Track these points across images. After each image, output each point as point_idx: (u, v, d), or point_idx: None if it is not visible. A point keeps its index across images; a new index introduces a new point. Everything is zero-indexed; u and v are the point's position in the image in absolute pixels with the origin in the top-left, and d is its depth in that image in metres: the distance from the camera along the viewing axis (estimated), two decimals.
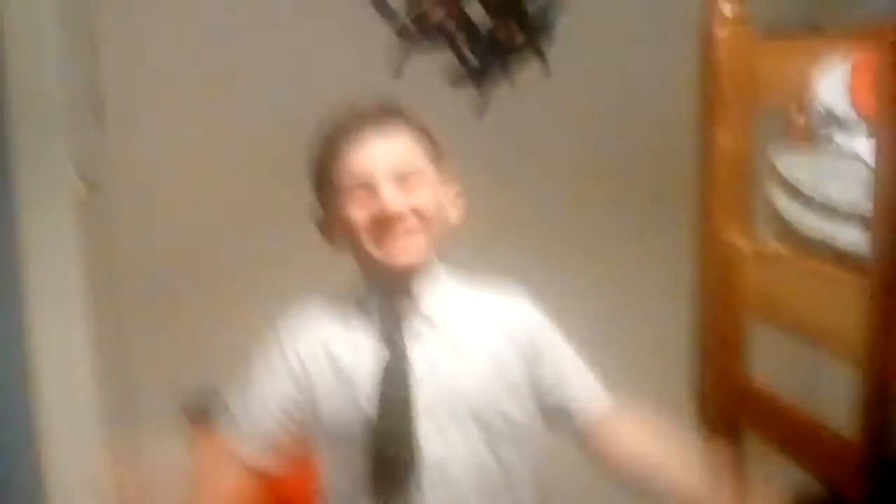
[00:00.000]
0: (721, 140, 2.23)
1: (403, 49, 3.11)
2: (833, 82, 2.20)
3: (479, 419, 1.65)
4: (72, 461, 2.58)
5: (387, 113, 1.69)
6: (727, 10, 2.18)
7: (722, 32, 2.19)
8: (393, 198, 1.62)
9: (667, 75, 2.95)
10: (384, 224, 1.62)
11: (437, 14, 3.10)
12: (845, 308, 1.85)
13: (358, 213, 1.63)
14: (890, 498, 1.81)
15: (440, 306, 1.71)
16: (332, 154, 1.66)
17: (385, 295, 1.70)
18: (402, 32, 3.10)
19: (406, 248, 1.64)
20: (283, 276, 3.07)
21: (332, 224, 1.71)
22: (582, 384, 1.75)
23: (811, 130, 2.26)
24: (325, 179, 1.68)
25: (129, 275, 3.04)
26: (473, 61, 3.17)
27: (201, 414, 3.03)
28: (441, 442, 1.64)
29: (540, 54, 3.19)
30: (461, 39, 3.15)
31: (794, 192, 2.09)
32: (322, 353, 1.70)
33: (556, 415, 1.75)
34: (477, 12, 3.15)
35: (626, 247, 3.15)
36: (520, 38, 3.18)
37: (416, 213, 1.64)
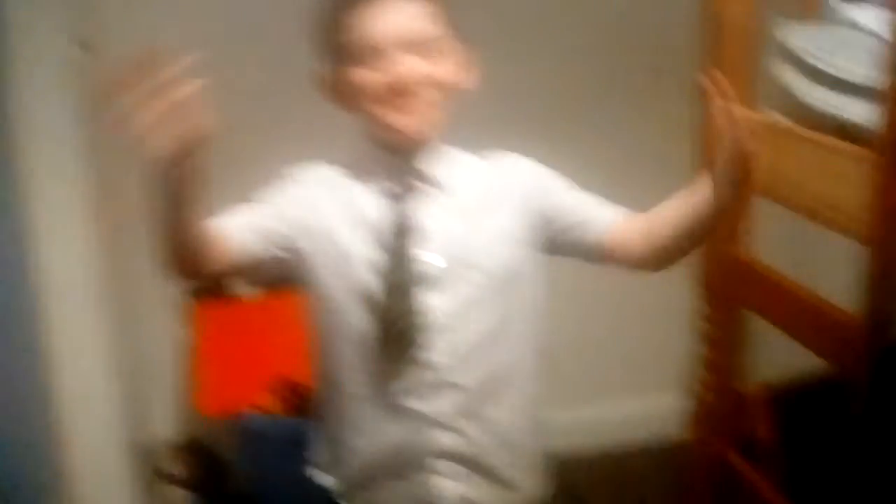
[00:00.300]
0: (727, 10, 2.18)
1: None
2: None
3: (477, 269, 1.65)
4: (74, 339, 2.60)
5: None
6: None
7: None
8: (410, 65, 1.59)
9: None
10: (400, 92, 1.59)
11: None
12: (852, 183, 1.83)
13: (371, 77, 1.60)
14: (892, 376, 1.82)
15: (445, 167, 1.70)
16: (345, 14, 1.62)
17: (393, 156, 1.67)
18: None
19: (421, 117, 1.62)
20: (284, 152, 3.05)
21: (337, 85, 1.67)
22: (590, 202, 1.73)
23: (821, 2, 2.20)
24: (335, 40, 1.64)
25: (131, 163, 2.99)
26: None
27: (205, 292, 3.04)
28: (446, 293, 1.64)
29: None
30: None
31: (802, 64, 2.05)
32: (332, 191, 1.69)
33: (574, 235, 1.72)
34: None
35: (628, 121, 3.11)
36: None
37: (432, 80, 1.61)
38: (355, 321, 1.65)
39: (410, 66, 1.59)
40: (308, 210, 1.67)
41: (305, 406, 2.69)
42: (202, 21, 2.95)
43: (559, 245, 1.72)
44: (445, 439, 1.66)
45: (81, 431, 2.61)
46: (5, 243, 2.40)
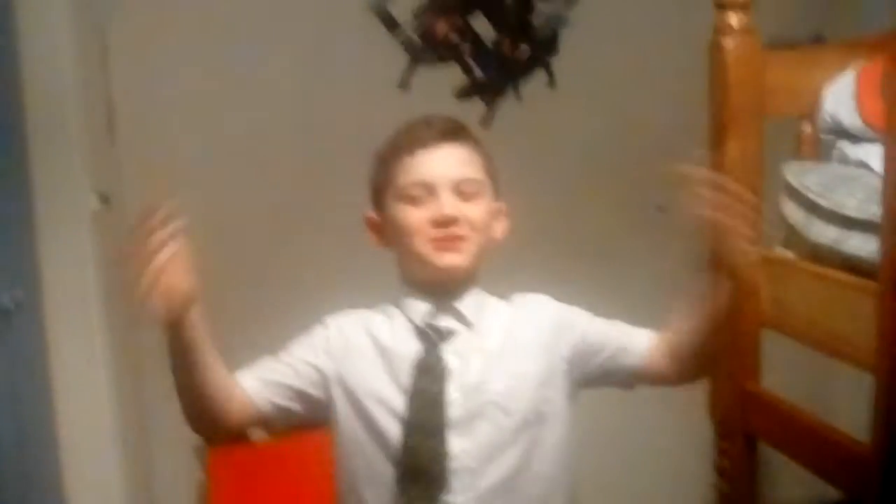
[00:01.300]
0: (730, 150, 2.25)
1: (410, 62, 3.13)
2: (840, 92, 2.23)
3: (500, 409, 1.66)
4: (91, 471, 2.59)
5: (453, 125, 1.75)
6: (734, 21, 2.21)
7: (729, 43, 2.22)
8: (451, 203, 1.67)
9: (672, 86, 2.97)
10: (439, 225, 1.66)
11: (443, 28, 3.13)
12: (855, 313, 1.88)
13: (415, 214, 1.68)
14: None
15: (475, 308, 1.74)
16: (399, 156, 1.71)
17: (425, 294, 1.73)
18: (408, 46, 3.13)
19: (455, 251, 1.68)
20: (302, 294, 3.10)
21: (383, 223, 1.75)
22: (617, 330, 1.77)
23: (819, 140, 2.28)
24: (387, 180, 1.73)
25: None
26: (480, 74, 3.19)
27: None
28: (469, 435, 1.64)
29: (546, 67, 3.21)
30: (467, 53, 3.17)
31: (802, 199, 2.11)
32: (366, 334, 1.73)
33: (610, 369, 1.75)
34: (483, 26, 3.18)
35: (633, 258, 3.16)
36: (525, 52, 3.20)
37: (469, 221, 1.68)
38: (379, 462, 1.66)
39: (454, 205, 1.67)
40: (338, 358, 1.71)
41: None
42: (218, 173, 3.03)
43: (595, 377, 1.75)
44: None
45: None
46: (30, 396, 2.43)
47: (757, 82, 2.22)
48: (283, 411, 1.69)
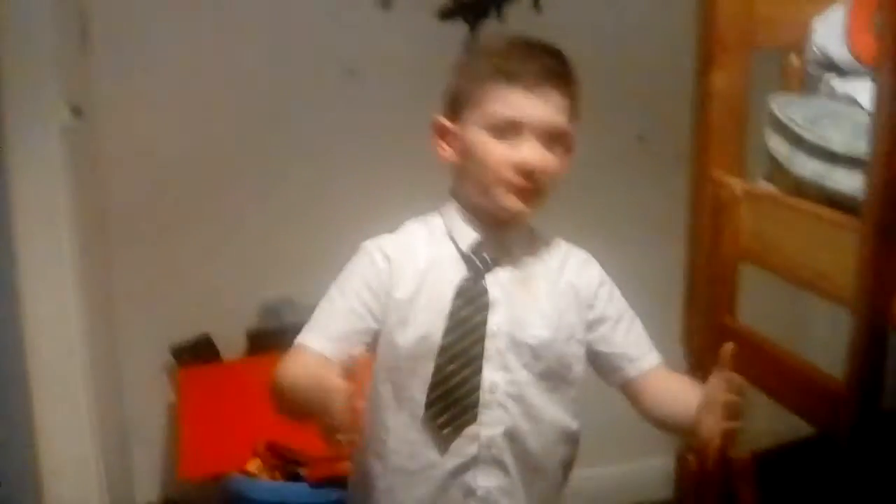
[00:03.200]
0: (716, 81, 2.23)
1: None
2: (830, 25, 2.20)
3: (536, 353, 1.67)
4: (59, 399, 2.58)
5: (561, 66, 1.68)
6: None
7: None
8: (538, 152, 1.63)
9: (659, 14, 2.94)
10: (520, 173, 1.62)
11: None
12: (837, 250, 1.87)
13: (498, 148, 1.63)
14: (875, 441, 1.84)
15: (524, 245, 1.73)
16: (495, 81, 1.64)
17: (477, 220, 1.70)
18: None
19: (529, 204, 1.66)
20: (269, 212, 3.08)
21: (455, 137, 1.70)
22: (635, 341, 1.77)
23: (806, 73, 2.26)
24: (475, 99, 1.66)
25: (115, 203, 3.01)
26: (469, 5, 3.13)
27: (188, 353, 3.05)
28: (500, 367, 1.65)
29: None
30: None
31: (788, 132, 2.09)
32: (409, 257, 1.70)
33: (606, 365, 1.77)
34: None
35: (614, 190, 3.14)
36: None
37: (547, 173, 1.65)
38: (411, 386, 1.67)
39: (542, 156, 1.63)
40: (386, 285, 1.68)
41: (289, 469, 2.70)
42: (195, 84, 2.98)
43: (594, 362, 1.77)
44: None
45: (65, 495, 2.59)
46: None
47: (745, 13, 2.19)
48: (359, 352, 1.66)
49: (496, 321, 1.66)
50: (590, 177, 3.13)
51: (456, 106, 1.70)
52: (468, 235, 1.70)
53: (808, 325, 2.58)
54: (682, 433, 1.75)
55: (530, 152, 1.62)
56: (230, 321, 3.06)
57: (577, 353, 1.73)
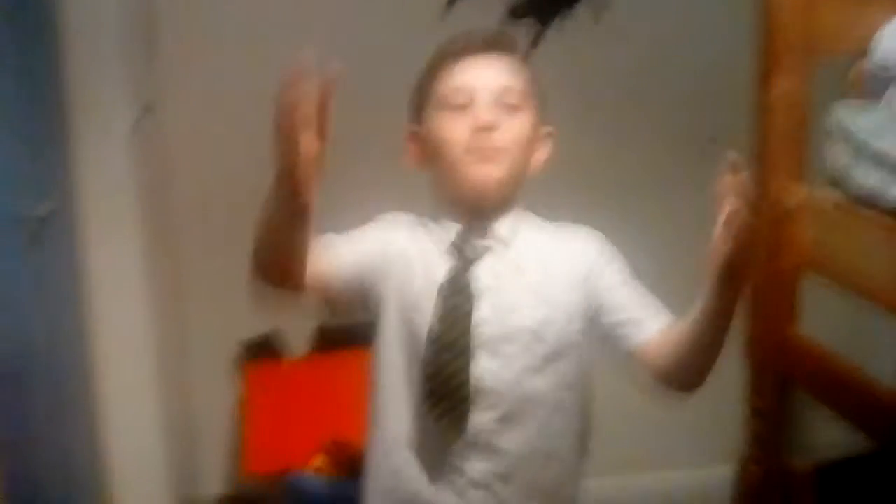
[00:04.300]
0: (778, 87, 2.20)
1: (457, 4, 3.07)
2: None
3: (533, 336, 1.65)
4: (126, 395, 2.63)
5: (499, 36, 1.74)
6: None
7: None
8: (490, 112, 1.64)
9: (725, 16, 2.90)
10: (478, 136, 1.63)
11: None
12: None
13: (455, 121, 1.65)
14: None
15: (512, 228, 1.72)
16: (441, 64, 1.69)
17: (460, 213, 1.70)
18: None
19: (491, 161, 1.64)
20: (340, 208, 3.09)
21: (422, 137, 1.71)
22: (638, 303, 1.71)
23: (871, 81, 2.21)
24: (428, 90, 1.70)
25: (185, 201, 3.06)
26: (529, 15, 3.11)
27: (257, 349, 3.09)
28: (492, 354, 1.65)
29: (596, 7, 3.13)
30: None
31: (850, 141, 2.05)
32: (413, 243, 1.72)
33: (612, 336, 1.71)
34: None
35: (681, 191, 3.08)
36: None
37: (510, 132, 1.65)
38: (408, 375, 1.67)
39: (496, 115, 1.63)
40: (394, 255, 1.70)
41: (354, 467, 2.71)
42: (264, 83, 3.01)
43: (596, 334, 1.72)
44: (480, 500, 1.67)
45: (132, 488, 2.64)
46: (63, 305, 2.45)
47: (807, 18, 2.15)
48: (347, 291, 1.69)
49: (485, 309, 1.65)
50: (658, 179, 3.14)
51: (417, 108, 1.74)
52: (454, 226, 1.70)
53: (870, 337, 2.53)
54: (699, 332, 1.56)
55: (486, 115, 1.63)
56: (298, 318, 3.08)
57: (579, 330, 1.69)
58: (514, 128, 1.65)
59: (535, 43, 3.07)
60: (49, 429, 2.24)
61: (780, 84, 2.17)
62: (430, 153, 1.70)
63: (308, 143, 1.38)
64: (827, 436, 2.22)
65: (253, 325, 3.10)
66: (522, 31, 3.06)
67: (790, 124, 2.19)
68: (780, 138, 2.20)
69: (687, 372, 1.63)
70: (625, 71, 3.12)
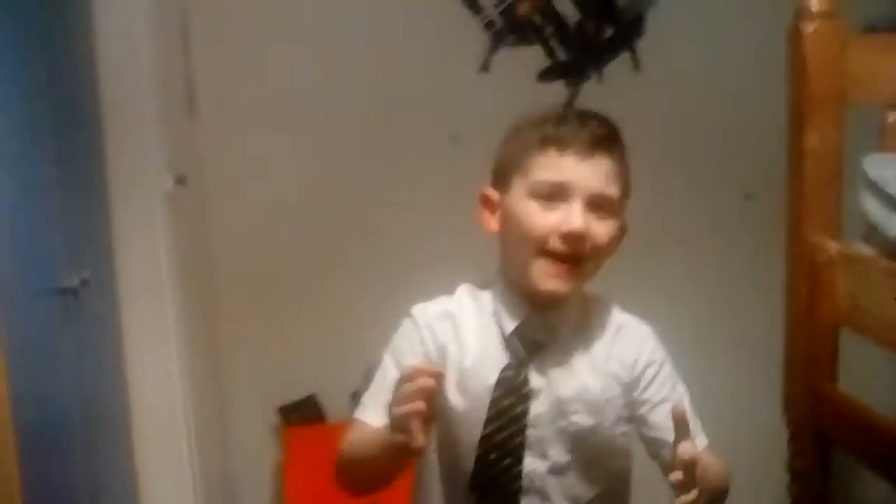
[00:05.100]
0: (809, 139, 2.15)
1: (491, 43, 3.09)
2: None
3: (580, 439, 1.62)
4: (165, 459, 2.63)
5: (608, 132, 1.63)
6: (814, 4, 2.10)
7: (809, 27, 2.11)
8: (583, 217, 1.56)
9: (760, 70, 2.87)
10: (565, 239, 1.57)
11: (525, 8, 3.08)
12: None
13: (541, 215, 1.58)
14: None
15: (571, 324, 1.67)
16: (543, 147, 1.60)
17: (519, 301, 1.65)
18: (489, 26, 3.08)
19: (569, 284, 1.60)
20: (374, 275, 3.10)
21: (500, 206, 1.65)
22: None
23: None
24: (521, 166, 1.62)
25: (220, 270, 3.09)
26: (562, 55, 3.13)
27: (295, 413, 3.09)
28: (541, 454, 1.62)
29: (630, 48, 3.14)
30: (549, 33, 3.11)
31: (882, 193, 2.02)
32: (454, 335, 1.67)
33: (648, 446, 1.67)
34: (566, 6, 3.12)
35: (718, 246, 3.07)
36: (609, 32, 3.13)
37: (593, 241, 1.58)
38: (457, 468, 1.66)
39: (591, 227, 1.57)
40: (433, 357, 1.66)
41: None
42: (303, 151, 3.05)
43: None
44: None
45: None
46: (100, 371, 2.46)
47: (838, 69, 2.11)
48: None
49: (538, 410, 1.61)
50: (693, 235, 3.11)
51: (503, 176, 1.66)
52: (512, 319, 1.64)
53: None
54: None
55: (578, 218, 1.56)
56: (336, 382, 3.08)
57: (624, 432, 1.67)
58: (600, 235, 1.58)
59: (568, 105, 3.07)
60: (88, 496, 2.24)
61: (813, 135, 2.13)
62: (507, 228, 1.64)
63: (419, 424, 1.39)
64: (869, 496, 2.15)
65: (292, 389, 3.10)
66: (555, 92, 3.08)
67: (823, 176, 2.14)
68: (812, 190, 2.15)
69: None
70: (659, 127, 3.11)
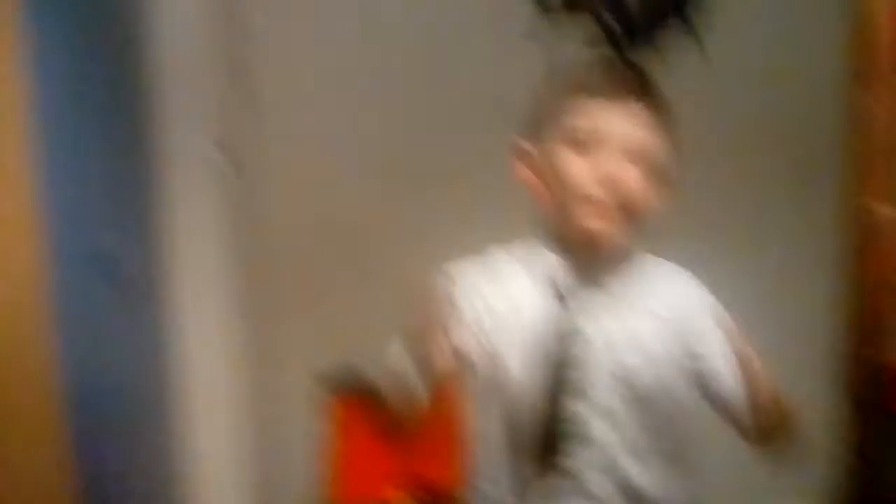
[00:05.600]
0: (868, 104, 2.13)
1: (546, 20, 3.05)
2: None
3: (630, 382, 1.59)
4: (212, 428, 2.64)
5: (644, 81, 1.62)
6: None
7: None
8: (626, 172, 1.55)
9: (822, 46, 2.83)
10: (601, 185, 1.55)
11: None
12: None
13: (577, 162, 1.57)
14: None
15: (615, 271, 1.65)
16: (578, 95, 1.59)
17: (565, 248, 1.63)
18: (543, 2, 3.04)
19: (613, 227, 1.58)
20: (423, 247, 3.08)
21: (535, 157, 1.64)
22: (732, 372, 1.60)
23: None
24: (555, 114, 1.62)
25: (276, 257, 3.08)
26: (619, 32, 3.08)
27: (344, 387, 3.08)
28: (590, 400, 1.59)
29: (688, 25, 3.08)
30: (606, 10, 3.06)
31: None
32: (495, 288, 1.65)
33: (710, 395, 1.63)
34: None
35: (776, 226, 3.02)
36: (667, 8, 3.08)
37: (630, 189, 1.56)
38: (502, 419, 1.64)
39: (627, 173, 1.56)
40: (471, 313, 1.64)
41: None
42: (356, 134, 3.04)
43: (690, 386, 1.66)
44: None
45: None
46: (151, 335, 2.47)
47: None
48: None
49: (582, 352, 1.60)
50: (740, 204, 3.07)
51: (537, 126, 1.65)
52: (553, 264, 1.64)
53: None
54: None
55: (614, 165, 1.55)
56: (381, 352, 3.08)
57: (672, 375, 1.63)
58: (636, 184, 1.56)
59: (603, 59, 3.03)
60: (134, 463, 2.25)
61: (871, 101, 2.10)
62: (544, 180, 1.63)
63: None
64: None
65: (337, 358, 3.10)
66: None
67: (880, 142, 2.11)
68: (868, 157, 2.12)
69: (759, 436, 1.60)
70: (717, 107, 3.06)
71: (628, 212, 1.57)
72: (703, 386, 1.64)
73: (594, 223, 1.57)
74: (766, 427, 1.56)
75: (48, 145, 1.86)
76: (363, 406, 3.02)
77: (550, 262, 1.64)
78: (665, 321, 1.64)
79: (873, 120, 2.13)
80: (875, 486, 2.31)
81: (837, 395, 2.31)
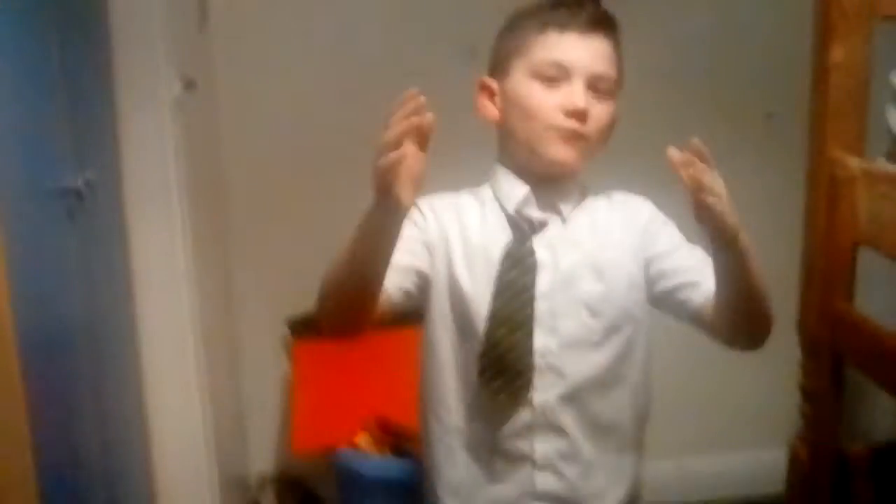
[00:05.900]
0: (835, 53, 2.12)
1: None
2: None
3: (593, 309, 1.62)
4: (172, 371, 2.61)
5: (606, 15, 1.68)
6: None
7: None
8: (588, 100, 1.62)
9: None
10: (570, 115, 1.61)
11: None
12: None
13: (545, 95, 1.63)
14: None
15: (572, 201, 1.70)
16: (542, 30, 1.65)
17: (526, 177, 1.68)
18: None
19: (577, 154, 1.64)
20: None
21: (500, 93, 1.70)
22: (696, 266, 1.65)
23: None
24: (520, 49, 1.67)
25: (232, 177, 3.05)
26: None
27: (304, 327, 3.07)
28: (552, 329, 1.61)
29: None
30: None
31: None
32: (457, 220, 1.69)
33: (672, 301, 1.67)
34: None
35: (738, 168, 2.99)
36: None
37: (595, 121, 1.64)
38: (463, 354, 1.65)
39: (592, 105, 1.62)
40: (433, 242, 1.68)
41: (397, 445, 2.69)
42: (312, 59, 3.00)
43: (661, 303, 1.68)
44: (544, 480, 1.64)
45: (176, 464, 2.63)
46: (106, 277, 2.44)
47: None
48: (407, 295, 1.64)
49: (545, 282, 1.62)
50: (714, 154, 3.06)
51: (502, 62, 1.70)
52: (514, 196, 1.67)
53: None
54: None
55: (580, 95, 1.61)
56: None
57: (637, 299, 1.66)
58: (600, 116, 1.64)
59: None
60: (91, 402, 2.23)
61: (837, 49, 2.09)
62: (509, 111, 1.68)
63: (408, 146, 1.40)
64: (883, 419, 2.14)
65: (300, 302, 3.08)
66: None
67: (847, 91, 2.11)
68: (836, 105, 2.12)
69: (739, 329, 1.57)
70: (681, 45, 3.05)
71: (592, 142, 1.63)
72: (668, 292, 1.65)
73: (561, 152, 1.62)
74: (747, 312, 1.54)
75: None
76: (324, 348, 3.01)
77: (514, 196, 1.67)
78: (623, 244, 1.67)
79: (838, 70, 2.12)
80: (834, 434, 2.33)
81: (801, 347, 2.32)
